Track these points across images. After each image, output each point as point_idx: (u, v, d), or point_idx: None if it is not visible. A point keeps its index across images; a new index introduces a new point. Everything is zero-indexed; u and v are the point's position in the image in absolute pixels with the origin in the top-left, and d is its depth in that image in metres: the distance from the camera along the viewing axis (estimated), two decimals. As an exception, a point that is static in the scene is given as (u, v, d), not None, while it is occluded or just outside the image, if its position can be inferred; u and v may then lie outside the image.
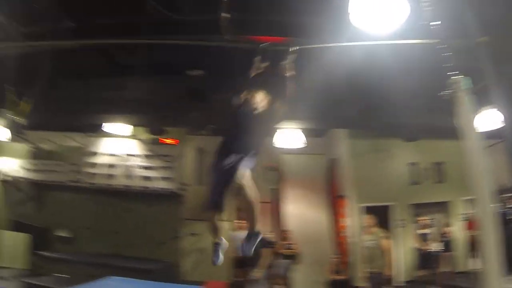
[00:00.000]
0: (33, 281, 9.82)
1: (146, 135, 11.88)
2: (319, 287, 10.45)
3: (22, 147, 13.99)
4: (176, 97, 9.92)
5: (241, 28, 6.58)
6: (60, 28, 8.38)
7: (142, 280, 8.35)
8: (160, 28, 7.82)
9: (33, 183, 13.44)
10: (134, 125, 11.46)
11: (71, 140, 13.51)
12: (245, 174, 4.19)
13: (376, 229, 10.11)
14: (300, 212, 11.38)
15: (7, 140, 13.53)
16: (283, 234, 11.16)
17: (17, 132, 10.18)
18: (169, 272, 11.08)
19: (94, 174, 12.30)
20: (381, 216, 10.71)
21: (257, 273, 9.43)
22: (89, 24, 8.12)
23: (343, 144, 11.28)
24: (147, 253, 11.69)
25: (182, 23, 7.37)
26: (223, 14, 6.18)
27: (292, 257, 10.62)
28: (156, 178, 11.66)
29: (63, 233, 12.90)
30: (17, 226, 13.45)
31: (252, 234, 4.46)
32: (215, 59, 8.55)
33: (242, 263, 10.51)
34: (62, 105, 11.24)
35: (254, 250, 4.78)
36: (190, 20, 7.29)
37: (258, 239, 4.46)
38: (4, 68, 8.21)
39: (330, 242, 11.17)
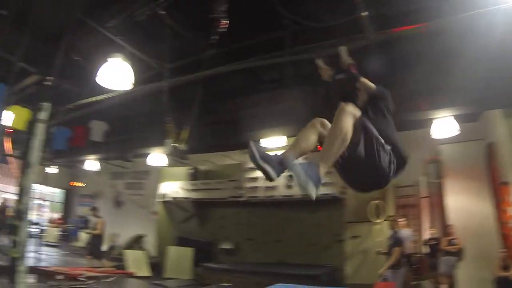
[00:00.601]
0: None
1: None
2: (486, 285, 9.46)
3: (182, 170, 15.52)
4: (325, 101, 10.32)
5: (380, 23, 6.64)
6: (205, 57, 9.15)
7: (308, 286, 8.13)
8: (301, 39, 8.07)
9: (195, 202, 14.61)
10: (289, 136, 11.30)
11: (229, 159, 14.33)
12: None
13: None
14: (462, 204, 10.78)
15: (168, 166, 15.35)
16: (446, 229, 10.58)
17: (180, 158, 11.26)
18: (334, 277, 11.02)
19: (254, 187, 12.68)
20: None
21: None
22: (231, 47, 8.63)
23: (500, 126, 10.63)
24: (311, 259, 11.81)
25: (322, 30, 7.47)
26: (362, 13, 6.24)
27: (457, 253, 10.06)
28: None
29: (226, 246, 13.71)
30: (182, 242, 14.72)
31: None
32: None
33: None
34: (217, 127, 12.12)
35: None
36: (329, 26, 7.31)
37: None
38: (159, 103, 9.43)
39: (495, 235, 10.53)
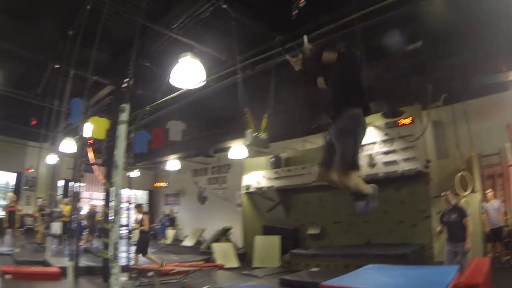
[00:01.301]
0: (288, 277, 10.35)
1: (381, 120, 11.85)
2: None
3: (263, 160, 15.76)
4: (401, 75, 10.02)
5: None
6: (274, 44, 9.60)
7: (400, 266, 8.23)
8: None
9: (279, 190, 14.74)
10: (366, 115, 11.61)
11: (310, 143, 14.68)
12: None
13: None
14: None
15: (249, 157, 15.38)
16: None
17: (262, 147, 11.58)
18: (422, 255, 10.81)
19: None
20: None
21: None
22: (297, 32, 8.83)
23: None
24: (398, 238, 11.66)
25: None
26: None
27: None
28: (399, 161, 11.45)
29: (312, 231, 13.83)
30: (269, 230, 15.09)
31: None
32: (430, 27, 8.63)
33: (495, 236, 10.21)
34: (294, 113, 12.62)
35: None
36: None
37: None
38: (235, 96, 9.73)
39: None
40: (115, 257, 3.88)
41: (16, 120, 18.70)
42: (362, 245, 12.33)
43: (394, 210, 11.93)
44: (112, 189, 3.97)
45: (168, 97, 10.61)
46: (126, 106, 4.14)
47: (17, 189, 21.84)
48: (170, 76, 7.52)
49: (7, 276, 9.21)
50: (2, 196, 22.75)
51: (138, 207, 11.98)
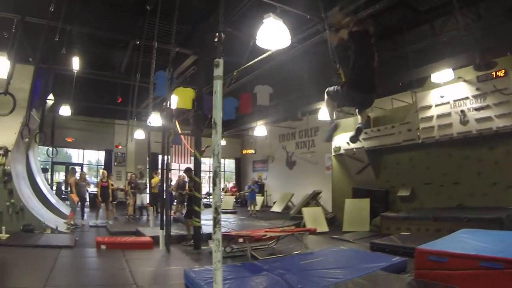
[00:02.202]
0: (378, 241, 10.25)
1: (472, 74, 11.23)
2: None
3: (352, 121, 15.36)
4: (493, 23, 9.63)
5: None
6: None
7: (495, 231, 7.91)
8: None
9: (368, 151, 14.64)
10: (457, 68, 11.23)
11: (399, 102, 14.44)
12: None
13: None
14: None
15: (338, 118, 15.68)
16: None
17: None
18: None
19: (428, 128, 12.33)
20: None
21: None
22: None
23: None
24: (492, 201, 11.11)
25: None
26: None
27: None
28: (493, 118, 10.85)
29: (402, 193, 13.58)
30: (358, 193, 15.06)
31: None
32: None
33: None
34: (380, 70, 12.67)
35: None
36: None
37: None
38: (322, 56, 9.53)
39: None
40: (217, 222, 4.08)
41: (103, 100, 19.77)
42: (454, 208, 11.93)
43: (488, 171, 11.44)
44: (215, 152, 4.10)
45: (254, 60, 10.70)
46: (220, 61, 4.23)
47: (108, 166, 23.40)
48: (255, 39, 7.62)
49: (103, 246, 9.90)
50: (95, 173, 24.25)
51: (188, 171, 12.17)
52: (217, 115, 4.20)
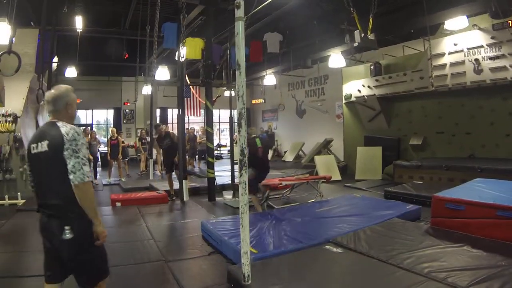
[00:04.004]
0: (392, 189, 10.36)
1: (487, 22, 10.93)
2: None
3: (362, 68, 15.56)
4: None
5: None
6: None
7: (509, 181, 7.72)
8: None
9: (380, 98, 14.52)
10: (472, 15, 10.89)
11: (410, 49, 14.18)
12: None
13: None
14: None
15: (349, 66, 15.46)
16: None
17: (371, 47, 11.18)
18: None
19: (441, 76, 12.09)
20: None
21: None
22: None
23: None
24: (505, 153, 11.21)
25: None
26: None
27: None
28: (508, 67, 10.57)
29: (414, 141, 13.69)
30: (370, 141, 15.19)
31: None
32: None
33: None
34: (392, 17, 12.19)
35: None
36: None
37: None
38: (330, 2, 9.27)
39: None
40: (243, 164, 4.22)
41: (110, 58, 19.66)
42: (466, 158, 12.06)
43: (501, 122, 11.45)
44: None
45: (263, 4, 10.62)
46: (241, 1, 4.26)
47: (117, 124, 23.64)
48: None
49: (118, 204, 10.14)
50: (104, 133, 24.40)
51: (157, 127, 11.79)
52: (240, 56, 4.26)
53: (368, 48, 12.35)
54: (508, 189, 6.66)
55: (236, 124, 4.50)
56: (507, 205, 5.56)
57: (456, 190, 7.16)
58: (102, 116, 26.05)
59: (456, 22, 10.84)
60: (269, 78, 19.17)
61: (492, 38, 11.03)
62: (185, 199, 10.47)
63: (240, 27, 4.22)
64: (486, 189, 6.83)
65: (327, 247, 5.33)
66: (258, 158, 8.32)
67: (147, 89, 17.59)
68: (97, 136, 15.78)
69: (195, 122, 23.96)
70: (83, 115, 24.93)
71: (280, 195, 10.74)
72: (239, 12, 4.23)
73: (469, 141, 12.26)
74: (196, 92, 20.68)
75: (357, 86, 15.21)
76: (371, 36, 9.67)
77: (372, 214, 7.38)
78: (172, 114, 25.43)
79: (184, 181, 10.58)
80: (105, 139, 20.56)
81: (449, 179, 10.73)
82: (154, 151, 15.55)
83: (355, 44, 10.09)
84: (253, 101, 27.16)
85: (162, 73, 14.04)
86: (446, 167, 11.05)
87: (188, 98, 20.71)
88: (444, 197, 6.42)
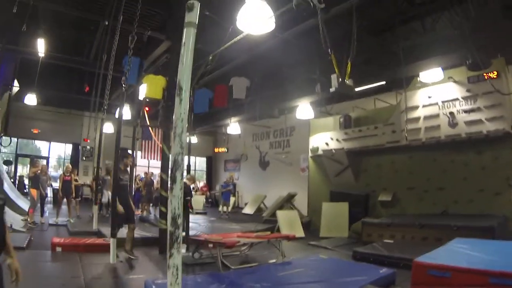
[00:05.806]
0: (361, 249, 9.66)
1: (463, 75, 10.87)
2: None
3: (332, 120, 15.11)
4: (490, 20, 8.83)
5: None
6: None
7: (499, 241, 7.60)
8: None
9: (348, 152, 14.04)
10: (447, 68, 10.71)
11: (382, 102, 13.85)
12: None
13: None
14: None
15: (315, 118, 14.75)
16: None
17: (348, 92, 10.77)
18: (507, 227, 9.86)
19: (414, 129, 11.79)
20: None
21: None
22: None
23: None
24: (479, 208, 10.76)
25: None
26: None
27: None
28: (483, 121, 10.49)
29: (384, 197, 13.10)
30: (337, 196, 14.42)
31: None
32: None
33: None
34: (365, 68, 11.31)
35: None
36: None
37: None
38: (304, 50, 8.96)
39: None
40: (174, 240, 3.06)
41: (71, 90, 19.15)
42: (438, 214, 11.58)
43: (475, 177, 11.13)
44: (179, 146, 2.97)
45: (231, 41, 9.81)
46: (195, 3, 3.24)
47: (75, 160, 22.43)
48: (236, 21, 6.74)
49: (58, 249, 9.02)
50: (61, 168, 23.41)
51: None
52: (184, 77, 3.20)
53: (345, 95, 11.80)
54: (496, 251, 6.05)
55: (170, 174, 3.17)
56: (501, 270, 4.80)
57: (439, 253, 6.35)
58: (61, 150, 24.98)
59: (431, 74, 10.66)
60: (234, 127, 18.48)
61: (468, 91, 10.93)
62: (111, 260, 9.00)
63: (190, 35, 3.27)
64: (471, 252, 6.13)
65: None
66: None
67: (107, 127, 16.63)
68: (51, 171, 14.61)
69: (156, 166, 22.99)
70: (45, 147, 24.18)
71: (238, 252, 9.76)
72: (191, 16, 3.28)
73: (441, 196, 11.81)
74: (156, 135, 19.84)
75: (325, 139, 14.79)
76: (349, 82, 9.06)
77: (342, 280, 6.53)
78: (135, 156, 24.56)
79: (111, 238, 9.15)
80: (58, 174, 19.41)
81: (423, 237, 10.23)
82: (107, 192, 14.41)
83: (332, 89, 9.46)
84: (216, 149, 26.62)
85: (125, 111, 13.15)
86: (420, 225, 10.47)
87: (149, 141, 19.94)
88: (425, 262, 5.58)
